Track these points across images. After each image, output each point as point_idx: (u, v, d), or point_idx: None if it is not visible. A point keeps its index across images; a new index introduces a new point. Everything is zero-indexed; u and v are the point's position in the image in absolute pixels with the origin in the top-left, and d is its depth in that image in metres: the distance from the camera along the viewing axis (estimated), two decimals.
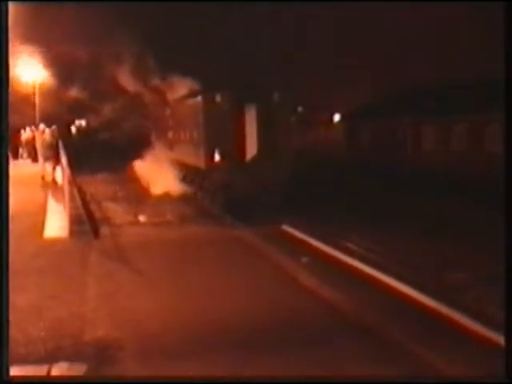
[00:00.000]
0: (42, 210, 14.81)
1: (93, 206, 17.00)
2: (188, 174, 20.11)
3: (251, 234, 12.80)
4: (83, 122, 38.20)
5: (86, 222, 13.72)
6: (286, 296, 8.34)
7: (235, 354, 6.16)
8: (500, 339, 6.12)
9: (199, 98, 18.02)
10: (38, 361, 6.00)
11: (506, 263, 5.28)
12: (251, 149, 17.04)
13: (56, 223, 13.34)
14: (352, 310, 7.67)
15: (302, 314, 7.54)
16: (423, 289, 8.56)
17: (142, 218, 15.26)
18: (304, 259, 10.66)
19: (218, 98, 17.21)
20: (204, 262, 10.42)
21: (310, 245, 12.03)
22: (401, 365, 5.97)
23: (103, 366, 5.94)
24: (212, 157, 17.07)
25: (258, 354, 6.18)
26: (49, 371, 5.79)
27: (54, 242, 11.78)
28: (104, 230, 13.19)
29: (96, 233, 12.83)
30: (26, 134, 30.38)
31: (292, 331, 6.86)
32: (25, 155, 30.30)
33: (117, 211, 16.25)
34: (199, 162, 17.93)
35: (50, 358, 6.02)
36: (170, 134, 22.64)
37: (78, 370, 5.83)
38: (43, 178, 21.02)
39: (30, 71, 32.19)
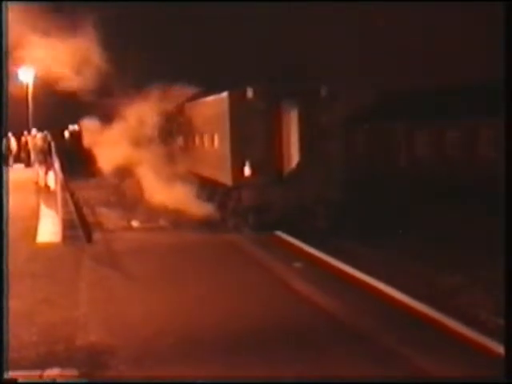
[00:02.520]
0: (35, 215, 14.76)
1: (86, 211, 16.96)
2: (203, 189, 16.23)
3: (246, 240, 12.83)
4: (77, 127, 38.05)
5: (78, 226, 13.69)
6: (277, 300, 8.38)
7: (227, 358, 6.16)
8: None
9: (224, 95, 14.37)
10: (30, 366, 5.97)
11: (506, 265, 5.30)
12: (291, 159, 13.79)
13: (49, 228, 13.30)
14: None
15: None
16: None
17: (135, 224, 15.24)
18: (297, 264, 10.65)
19: (250, 94, 13.71)
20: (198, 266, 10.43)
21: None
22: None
23: (95, 370, 5.93)
24: (241, 169, 13.67)
25: (249, 357, 6.18)
26: (41, 377, 5.77)
27: (47, 246, 11.75)
28: (96, 235, 13.17)
29: (89, 238, 12.81)
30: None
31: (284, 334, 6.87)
32: (10, 161, 29.88)
33: (110, 217, 16.22)
34: (223, 175, 14.46)
35: (42, 363, 5.99)
36: (180, 140, 18.97)
37: (70, 375, 5.81)
38: (37, 183, 20.96)
39: (23, 73, 31.89)
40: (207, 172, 16.05)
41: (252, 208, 13.73)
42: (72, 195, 19.20)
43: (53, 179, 17.28)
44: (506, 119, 5.56)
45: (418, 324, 7.41)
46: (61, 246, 11.93)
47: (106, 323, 7.29)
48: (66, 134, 33.65)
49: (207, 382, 5.58)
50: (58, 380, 5.70)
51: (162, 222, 15.36)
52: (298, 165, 13.71)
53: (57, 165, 15.97)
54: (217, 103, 15.07)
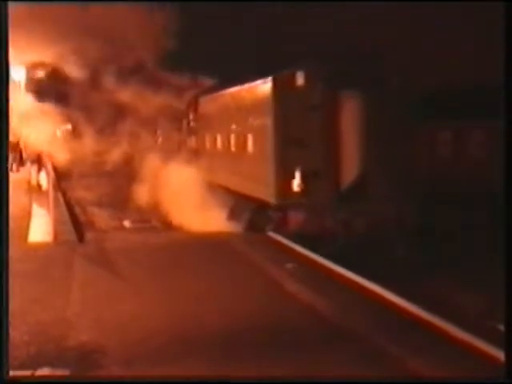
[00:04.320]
0: (27, 215, 14.70)
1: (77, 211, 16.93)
2: (223, 203, 13.19)
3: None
4: (69, 126, 37.90)
5: (70, 226, 13.66)
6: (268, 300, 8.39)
7: (221, 358, 6.16)
8: None
9: (266, 82, 11.20)
10: (21, 366, 5.95)
11: (506, 266, 5.32)
12: (353, 168, 10.77)
13: (40, 228, 13.26)
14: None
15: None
16: None
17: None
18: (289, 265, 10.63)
19: (300, 81, 10.68)
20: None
21: None
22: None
23: (86, 371, 5.91)
24: (289, 182, 10.62)
25: (242, 357, 6.19)
26: (32, 377, 5.75)
27: (39, 246, 11.71)
28: (89, 235, 13.15)
29: (81, 237, 12.78)
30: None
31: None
32: None
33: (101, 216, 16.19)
34: (262, 189, 11.32)
35: (33, 363, 5.97)
36: (192, 142, 15.85)
37: (62, 376, 5.80)
38: (29, 182, 20.88)
39: (16, 72, 31.70)
40: (234, 183, 12.99)
41: (303, 235, 10.64)
42: (64, 195, 19.15)
43: (45, 178, 17.25)
44: (505, 122, 5.55)
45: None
46: (52, 245, 11.88)
47: (97, 323, 7.27)
48: (58, 132, 33.56)
49: (200, 382, 5.58)
50: (50, 380, 5.68)
51: (155, 222, 15.30)
52: (363, 175, 10.78)
53: (49, 164, 15.94)
54: (253, 93, 11.81)
